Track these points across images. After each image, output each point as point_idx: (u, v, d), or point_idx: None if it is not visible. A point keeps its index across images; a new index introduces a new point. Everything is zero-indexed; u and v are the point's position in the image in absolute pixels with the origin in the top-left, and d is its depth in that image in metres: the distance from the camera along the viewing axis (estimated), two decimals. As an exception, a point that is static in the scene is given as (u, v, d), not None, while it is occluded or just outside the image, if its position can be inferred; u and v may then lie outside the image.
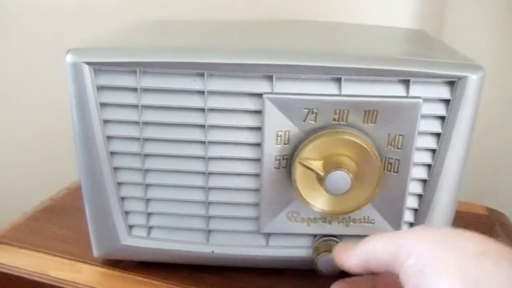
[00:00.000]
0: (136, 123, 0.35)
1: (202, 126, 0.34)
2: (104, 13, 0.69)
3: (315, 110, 0.33)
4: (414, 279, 0.24)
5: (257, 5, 0.65)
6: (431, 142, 0.35)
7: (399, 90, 0.33)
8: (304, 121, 0.33)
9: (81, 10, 0.71)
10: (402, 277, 0.25)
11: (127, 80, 0.34)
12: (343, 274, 0.32)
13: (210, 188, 0.37)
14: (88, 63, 0.33)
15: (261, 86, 0.33)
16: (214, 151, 0.35)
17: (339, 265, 0.31)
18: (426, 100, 0.33)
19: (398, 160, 0.34)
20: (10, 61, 0.78)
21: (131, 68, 0.33)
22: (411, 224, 0.38)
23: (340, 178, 0.32)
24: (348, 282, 0.33)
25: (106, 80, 0.34)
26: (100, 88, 0.34)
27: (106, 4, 0.70)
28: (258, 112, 0.34)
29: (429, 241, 0.26)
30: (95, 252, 0.40)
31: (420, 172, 0.36)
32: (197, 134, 0.35)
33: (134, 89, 0.34)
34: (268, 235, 0.38)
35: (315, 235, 0.38)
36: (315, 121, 0.33)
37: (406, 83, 0.33)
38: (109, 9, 0.70)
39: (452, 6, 0.60)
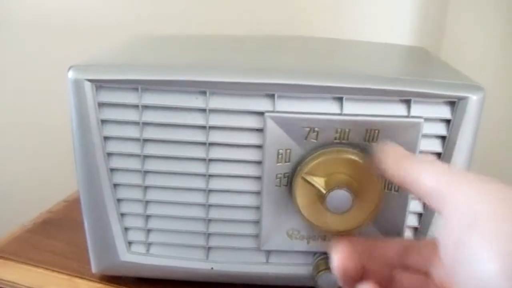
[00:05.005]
0: (137, 140, 0.35)
1: (203, 144, 0.34)
2: (109, 27, 0.69)
3: (316, 129, 0.33)
4: (459, 234, 0.22)
5: (260, 20, 0.65)
6: (431, 161, 0.35)
7: (400, 109, 0.33)
8: (305, 139, 0.33)
9: (85, 23, 0.71)
10: (444, 224, 0.23)
11: (128, 97, 0.34)
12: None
13: (210, 205, 0.36)
14: (89, 80, 0.33)
15: (262, 104, 0.33)
16: (215, 169, 0.35)
17: (379, 161, 0.28)
18: (427, 120, 0.33)
19: (399, 179, 0.34)
20: (11, 72, 0.77)
21: (133, 85, 0.33)
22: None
23: (342, 197, 0.32)
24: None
25: (107, 97, 0.34)
26: (101, 105, 0.34)
27: (111, 18, 0.70)
28: (260, 130, 0.34)
29: (489, 198, 0.22)
30: (94, 268, 0.40)
31: (420, 191, 0.35)
32: (198, 152, 0.35)
33: (135, 106, 0.34)
34: (268, 252, 0.38)
35: (315, 253, 0.38)
36: (316, 139, 0.33)
37: (407, 103, 0.33)
38: (114, 22, 0.70)
39: (451, 22, 0.60)
